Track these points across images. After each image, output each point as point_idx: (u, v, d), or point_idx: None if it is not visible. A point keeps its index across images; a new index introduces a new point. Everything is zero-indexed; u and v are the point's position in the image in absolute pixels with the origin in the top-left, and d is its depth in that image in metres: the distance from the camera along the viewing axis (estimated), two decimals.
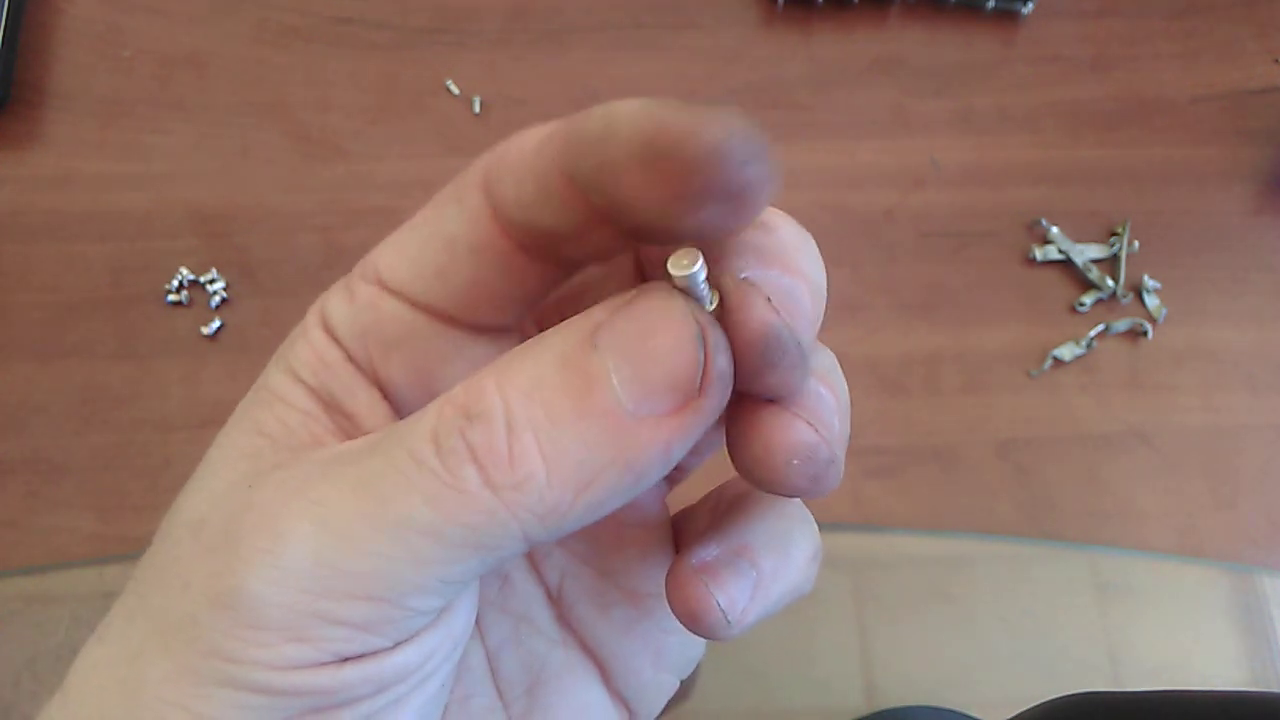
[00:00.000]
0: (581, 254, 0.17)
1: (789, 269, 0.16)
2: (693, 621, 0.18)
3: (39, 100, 0.53)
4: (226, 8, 0.55)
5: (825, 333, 0.17)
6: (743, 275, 0.16)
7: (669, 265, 0.16)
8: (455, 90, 0.54)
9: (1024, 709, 0.35)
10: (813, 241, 0.17)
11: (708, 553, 0.18)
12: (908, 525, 0.47)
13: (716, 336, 0.15)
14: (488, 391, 0.15)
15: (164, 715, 0.15)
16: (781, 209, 0.17)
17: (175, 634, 0.15)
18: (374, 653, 0.15)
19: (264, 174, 0.52)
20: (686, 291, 0.15)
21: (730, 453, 0.17)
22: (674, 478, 0.22)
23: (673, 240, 0.15)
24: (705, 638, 0.18)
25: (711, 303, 0.16)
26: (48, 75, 0.54)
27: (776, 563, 0.19)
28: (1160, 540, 0.47)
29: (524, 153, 0.16)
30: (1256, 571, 0.47)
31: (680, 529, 0.22)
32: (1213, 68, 0.55)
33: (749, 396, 0.16)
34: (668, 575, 0.18)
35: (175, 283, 0.50)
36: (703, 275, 0.16)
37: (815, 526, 0.20)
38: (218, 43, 0.54)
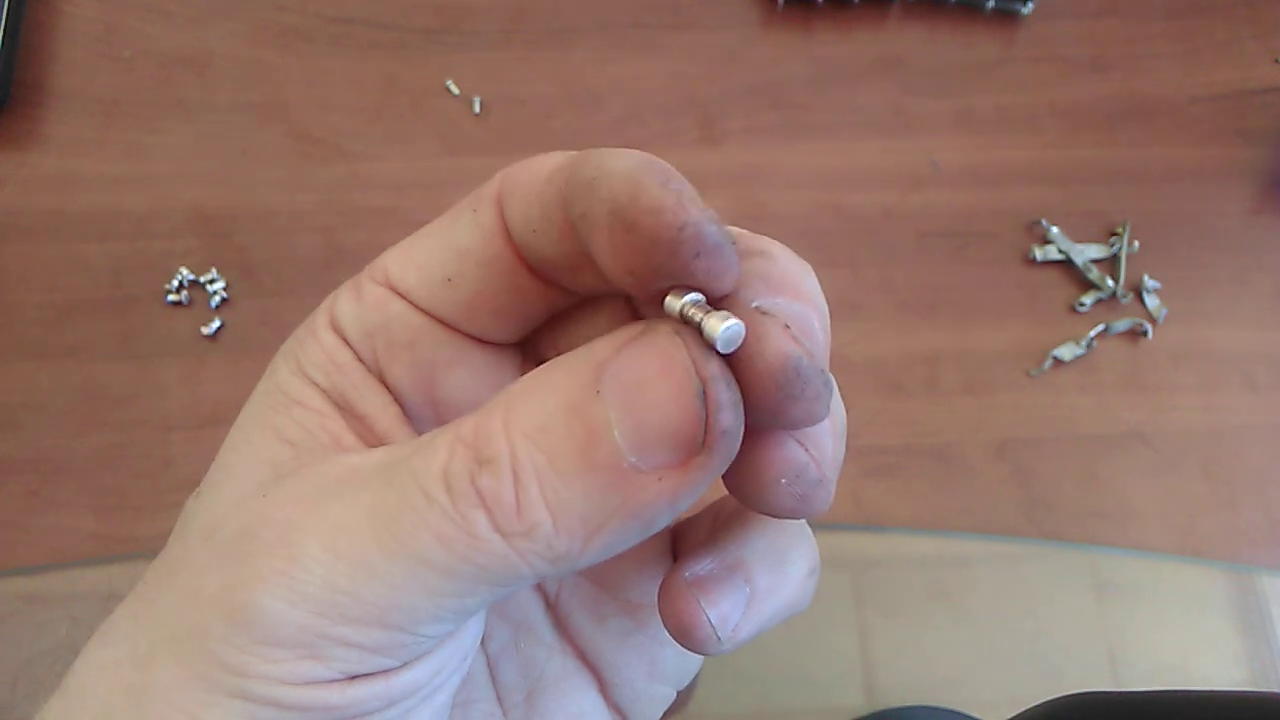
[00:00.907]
0: (578, 286, 0.17)
1: (798, 295, 0.15)
2: (683, 636, 0.18)
3: (39, 100, 0.53)
4: (226, 8, 0.55)
5: None
6: (755, 304, 0.15)
7: (666, 302, 0.15)
8: (455, 90, 0.54)
9: (1024, 709, 0.35)
10: (811, 270, 0.16)
11: (701, 566, 0.18)
12: (908, 525, 0.47)
13: (721, 392, 0.14)
14: (495, 434, 0.15)
15: None
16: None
17: (186, 642, 0.15)
18: (383, 671, 0.15)
19: (264, 174, 0.52)
20: (690, 323, 0.15)
21: None
22: None
23: (641, 296, 0.15)
24: (696, 653, 0.18)
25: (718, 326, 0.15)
26: (48, 75, 0.53)
27: (772, 579, 0.18)
28: (1160, 540, 0.47)
29: (536, 178, 0.17)
30: (1256, 571, 0.47)
31: (679, 539, 0.21)
32: (1213, 68, 0.55)
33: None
34: (660, 587, 0.18)
35: (175, 283, 0.49)
36: (698, 304, 0.15)
37: (814, 543, 0.20)
38: (218, 43, 0.54)
